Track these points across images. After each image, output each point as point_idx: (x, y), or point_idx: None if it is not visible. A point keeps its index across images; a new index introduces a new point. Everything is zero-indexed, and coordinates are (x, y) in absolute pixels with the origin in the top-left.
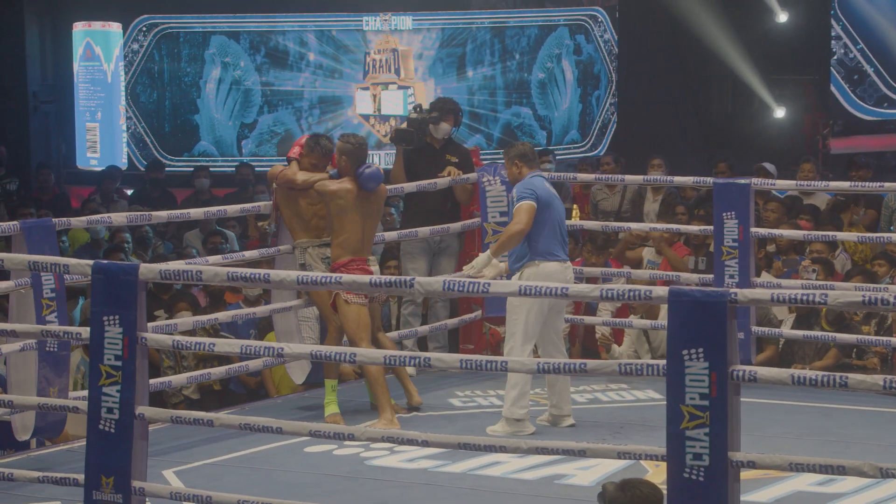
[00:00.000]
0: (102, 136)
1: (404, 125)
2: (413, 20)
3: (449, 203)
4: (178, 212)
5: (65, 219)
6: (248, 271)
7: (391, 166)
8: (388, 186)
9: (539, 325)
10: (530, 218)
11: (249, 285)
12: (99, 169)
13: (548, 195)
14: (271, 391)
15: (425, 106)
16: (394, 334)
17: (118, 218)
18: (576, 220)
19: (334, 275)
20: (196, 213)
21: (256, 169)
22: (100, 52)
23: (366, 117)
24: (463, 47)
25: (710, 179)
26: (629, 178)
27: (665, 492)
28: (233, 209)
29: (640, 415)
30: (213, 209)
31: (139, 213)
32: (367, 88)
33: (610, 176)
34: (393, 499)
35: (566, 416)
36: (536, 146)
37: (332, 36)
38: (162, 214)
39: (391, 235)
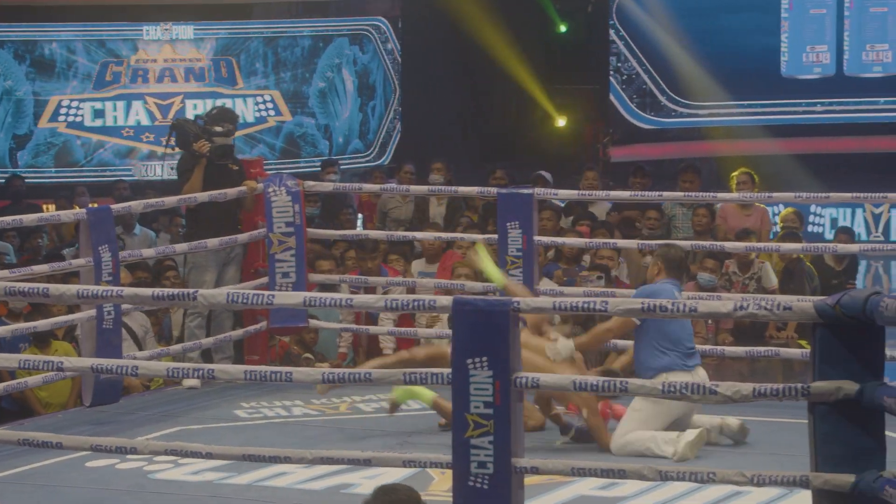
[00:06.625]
0: None
1: (218, 140)
2: (194, 30)
3: (235, 213)
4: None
5: None
6: (26, 286)
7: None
8: (184, 196)
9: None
10: (622, 325)
11: (30, 300)
12: None
13: None
14: (37, 409)
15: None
16: (178, 347)
17: None
18: (359, 231)
19: (113, 288)
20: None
21: (30, 180)
22: None
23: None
24: (236, 58)
25: (494, 190)
26: (414, 188)
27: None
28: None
29: (428, 424)
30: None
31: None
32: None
33: (395, 186)
34: None
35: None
36: (319, 156)
37: (103, 45)
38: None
39: (182, 247)
